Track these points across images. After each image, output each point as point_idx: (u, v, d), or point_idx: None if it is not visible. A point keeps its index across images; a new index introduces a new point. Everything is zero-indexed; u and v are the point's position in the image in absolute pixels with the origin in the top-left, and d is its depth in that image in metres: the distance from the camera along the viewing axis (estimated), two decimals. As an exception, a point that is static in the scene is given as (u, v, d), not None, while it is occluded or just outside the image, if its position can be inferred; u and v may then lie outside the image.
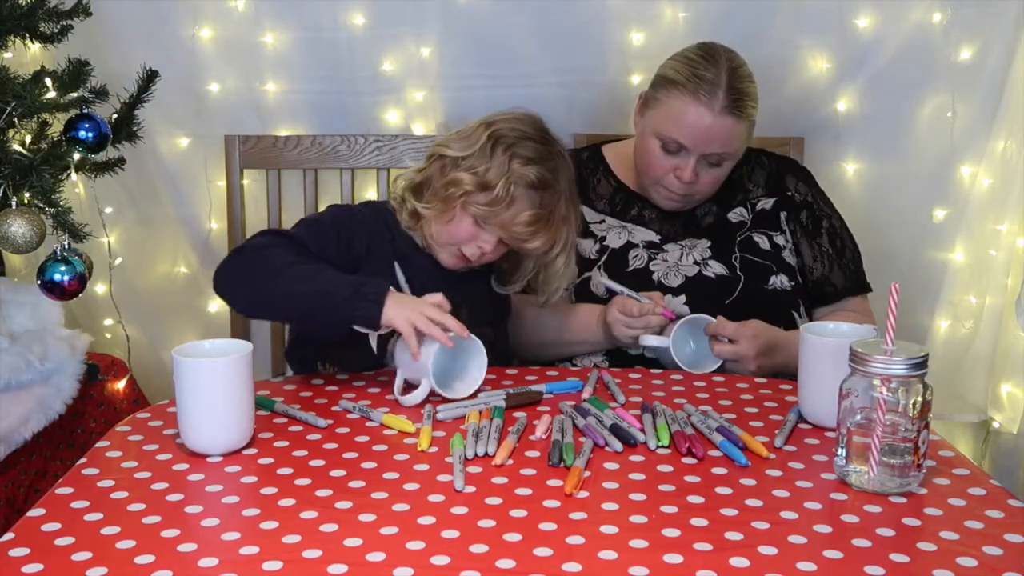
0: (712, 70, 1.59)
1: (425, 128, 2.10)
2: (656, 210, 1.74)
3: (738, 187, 1.75)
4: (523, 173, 1.43)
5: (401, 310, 1.31)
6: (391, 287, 1.35)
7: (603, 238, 1.72)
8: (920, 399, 1.06)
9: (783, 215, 1.74)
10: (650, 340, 1.54)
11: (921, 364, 1.05)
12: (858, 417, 1.08)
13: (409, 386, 1.35)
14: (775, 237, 1.71)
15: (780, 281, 1.67)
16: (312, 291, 1.33)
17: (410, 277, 1.48)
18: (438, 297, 1.35)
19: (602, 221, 1.74)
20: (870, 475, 1.07)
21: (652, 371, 1.51)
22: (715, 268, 1.67)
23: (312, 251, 1.41)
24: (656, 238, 1.72)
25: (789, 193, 1.75)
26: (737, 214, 1.73)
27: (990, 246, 2.07)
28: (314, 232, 1.45)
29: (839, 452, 1.10)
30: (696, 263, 1.67)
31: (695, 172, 1.63)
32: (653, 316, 1.54)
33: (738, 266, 1.67)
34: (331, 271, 1.36)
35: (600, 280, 1.66)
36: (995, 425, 2.12)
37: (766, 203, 1.74)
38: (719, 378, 1.46)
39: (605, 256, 1.70)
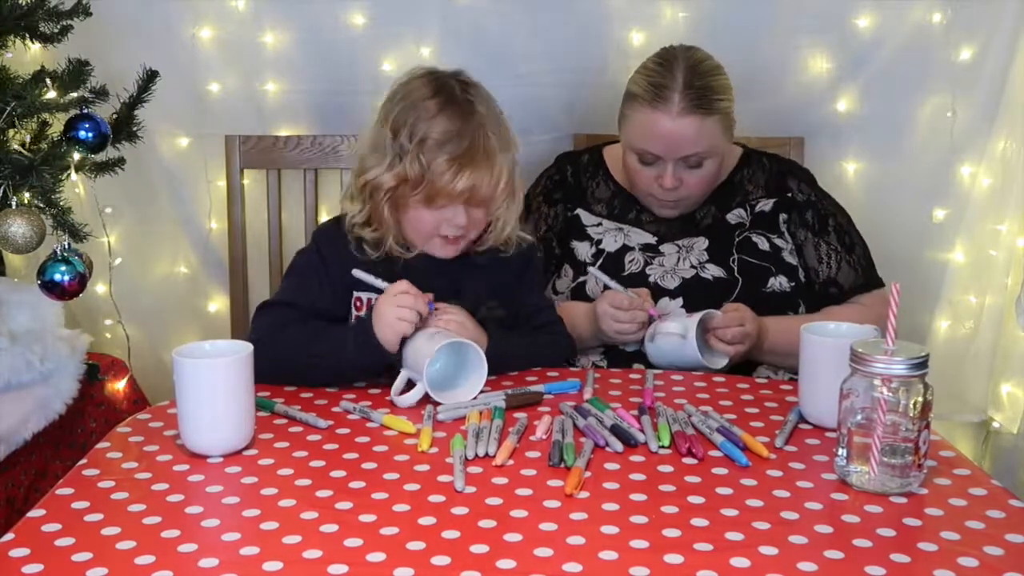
0: (666, 76, 1.60)
1: (425, 128, 2.10)
2: (652, 213, 1.74)
3: (738, 189, 1.75)
4: (426, 137, 1.40)
5: (384, 327, 1.36)
6: (366, 307, 1.40)
7: (599, 241, 1.72)
8: (921, 399, 1.06)
9: (782, 217, 1.73)
10: (670, 327, 1.53)
11: (922, 364, 1.05)
12: (859, 417, 1.08)
13: (410, 386, 1.35)
14: (774, 239, 1.71)
15: (779, 283, 1.67)
16: (331, 365, 1.39)
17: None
18: (400, 285, 1.38)
19: (599, 224, 1.74)
20: (871, 475, 1.07)
21: (653, 371, 1.50)
22: (712, 271, 1.66)
23: (304, 303, 1.46)
24: (652, 239, 1.71)
25: (790, 194, 1.74)
26: (736, 215, 1.73)
27: (990, 246, 2.07)
28: (297, 284, 1.50)
29: (840, 452, 1.10)
30: (693, 266, 1.67)
31: (676, 177, 1.63)
32: (640, 312, 1.55)
33: (736, 268, 1.67)
34: (329, 333, 1.40)
35: (592, 272, 1.66)
36: (995, 425, 2.12)
37: (765, 204, 1.74)
38: (719, 378, 1.46)
39: (601, 260, 1.70)
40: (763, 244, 1.70)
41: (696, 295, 1.64)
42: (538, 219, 1.77)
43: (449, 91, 1.44)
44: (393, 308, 1.37)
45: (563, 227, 1.76)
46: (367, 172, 1.46)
